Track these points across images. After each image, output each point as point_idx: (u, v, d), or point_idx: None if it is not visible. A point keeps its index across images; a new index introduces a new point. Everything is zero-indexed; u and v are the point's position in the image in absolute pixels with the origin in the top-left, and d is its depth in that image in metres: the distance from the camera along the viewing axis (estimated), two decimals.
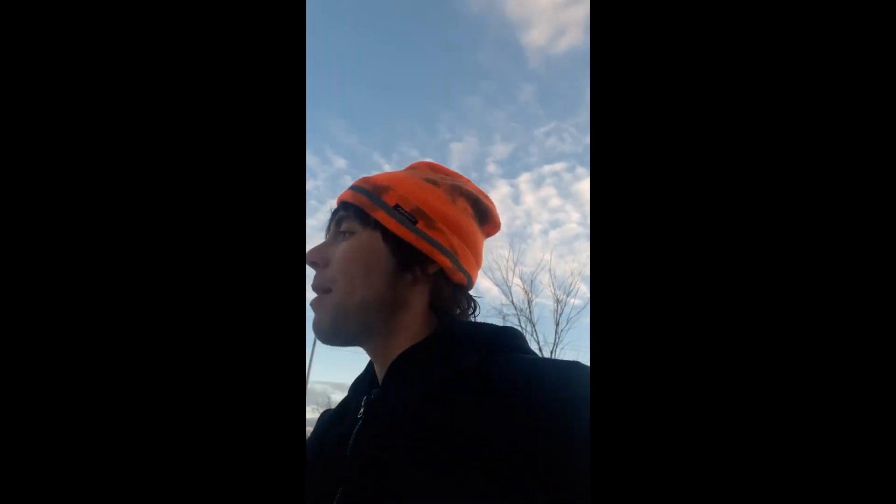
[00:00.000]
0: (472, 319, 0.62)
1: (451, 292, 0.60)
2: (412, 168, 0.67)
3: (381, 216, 0.57)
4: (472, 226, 0.64)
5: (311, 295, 0.59)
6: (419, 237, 0.57)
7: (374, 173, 0.66)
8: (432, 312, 0.59)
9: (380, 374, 0.58)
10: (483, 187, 0.68)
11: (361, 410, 0.54)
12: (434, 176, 0.64)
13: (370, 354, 0.59)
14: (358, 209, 0.58)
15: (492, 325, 0.57)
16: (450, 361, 0.50)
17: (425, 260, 0.58)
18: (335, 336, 0.56)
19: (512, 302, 13.85)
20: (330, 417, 0.61)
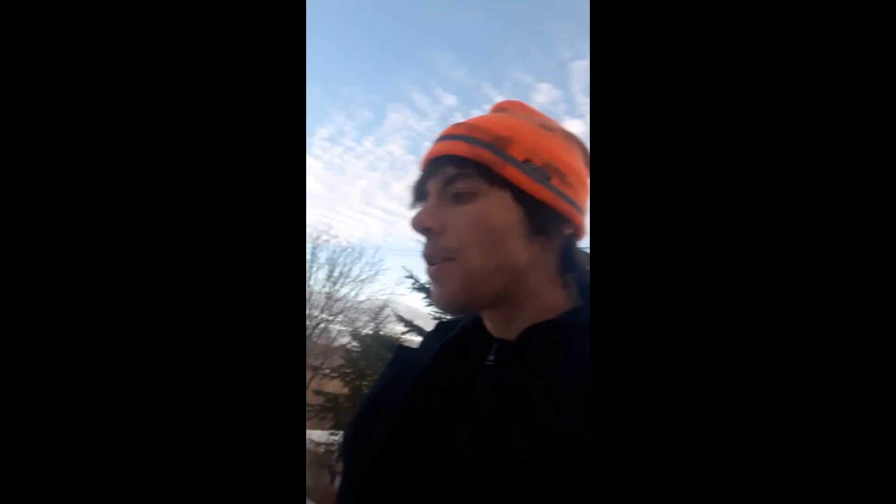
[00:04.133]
0: None
1: (582, 254, 0.55)
2: (503, 109, 0.59)
3: (513, 173, 0.50)
4: (588, 178, 0.57)
5: (421, 264, 0.52)
6: (556, 195, 0.51)
7: (477, 113, 0.57)
8: (561, 275, 0.53)
9: (503, 328, 0.53)
10: None
11: (492, 357, 0.51)
12: (542, 121, 0.56)
13: (493, 316, 0.54)
14: (481, 166, 0.50)
15: None
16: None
17: (561, 220, 0.52)
18: (465, 306, 0.51)
19: None
20: (435, 348, 0.56)
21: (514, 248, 0.50)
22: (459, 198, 0.51)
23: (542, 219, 0.51)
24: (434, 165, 0.53)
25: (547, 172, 0.51)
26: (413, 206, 0.55)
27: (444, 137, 0.53)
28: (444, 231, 0.50)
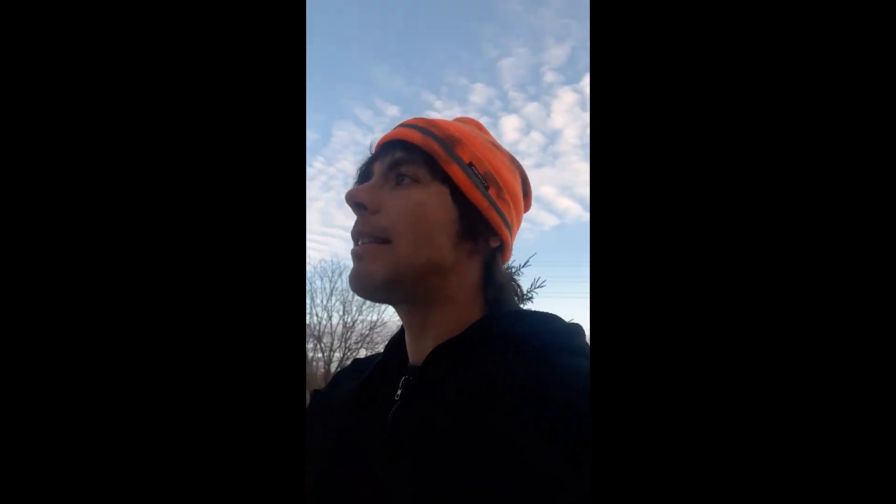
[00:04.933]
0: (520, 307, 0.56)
1: (503, 272, 0.55)
2: (464, 122, 0.59)
3: (456, 172, 0.50)
4: (522, 203, 0.59)
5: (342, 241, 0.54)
6: (491, 205, 0.52)
7: (426, 115, 0.59)
8: (482, 287, 0.53)
9: (416, 346, 0.53)
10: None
11: (399, 392, 0.49)
12: (492, 139, 0.57)
13: (408, 319, 0.53)
14: (428, 156, 0.50)
15: (552, 321, 0.51)
16: (504, 361, 0.45)
17: (490, 232, 0.53)
18: (385, 292, 0.50)
19: None
20: (353, 386, 0.55)
21: (443, 245, 0.49)
22: (401, 181, 0.51)
23: (474, 224, 0.51)
24: (384, 149, 0.53)
25: (486, 181, 0.52)
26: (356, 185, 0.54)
27: (401, 125, 0.54)
28: (379, 211, 0.49)
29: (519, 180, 0.57)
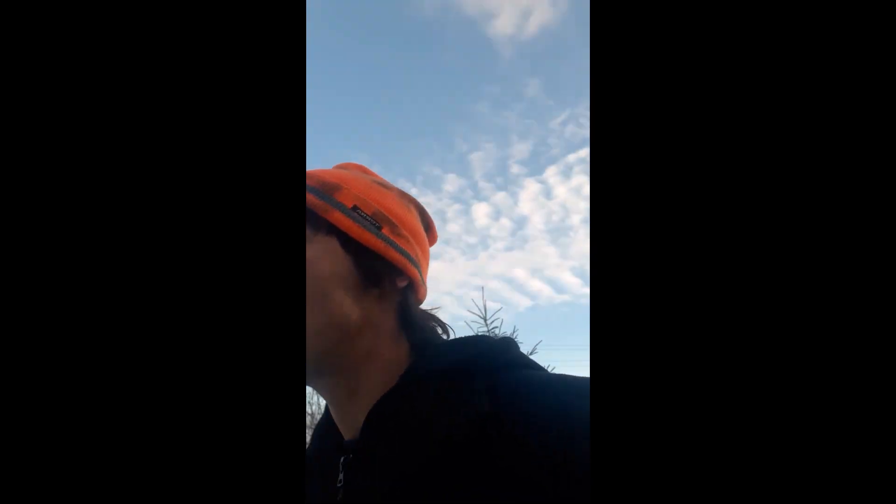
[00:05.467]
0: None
1: (421, 311, 0.52)
2: (345, 168, 0.57)
3: (339, 219, 0.47)
4: (425, 237, 0.56)
5: None
6: (387, 245, 0.48)
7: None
8: (402, 333, 0.50)
9: (347, 420, 0.47)
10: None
11: (341, 476, 0.44)
12: (377, 179, 0.55)
13: (333, 393, 0.48)
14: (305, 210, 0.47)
15: (483, 339, 0.48)
16: (449, 403, 0.41)
17: (394, 272, 0.49)
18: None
19: None
20: None
21: (343, 302, 0.45)
22: None
23: (374, 269, 0.47)
24: None
25: (377, 221, 0.48)
26: None
27: None
28: None
29: (416, 214, 0.55)
